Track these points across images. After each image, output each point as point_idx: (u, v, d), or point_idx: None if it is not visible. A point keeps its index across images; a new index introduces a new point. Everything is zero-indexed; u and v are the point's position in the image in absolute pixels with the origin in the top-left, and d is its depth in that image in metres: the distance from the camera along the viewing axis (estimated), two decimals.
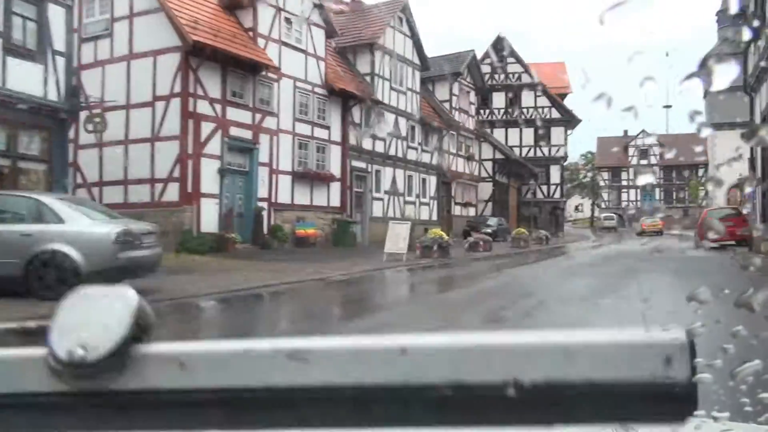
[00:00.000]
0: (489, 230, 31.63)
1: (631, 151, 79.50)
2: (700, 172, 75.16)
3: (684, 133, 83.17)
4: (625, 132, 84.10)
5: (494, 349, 0.46)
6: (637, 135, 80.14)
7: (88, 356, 0.47)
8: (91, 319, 0.49)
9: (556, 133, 45.27)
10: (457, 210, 33.80)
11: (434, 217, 30.93)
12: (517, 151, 45.30)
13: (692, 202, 76.02)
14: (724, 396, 0.80)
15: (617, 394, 0.46)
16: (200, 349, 0.50)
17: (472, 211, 35.76)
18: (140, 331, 0.50)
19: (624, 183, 79.70)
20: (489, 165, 38.65)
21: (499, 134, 45.20)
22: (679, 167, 77.18)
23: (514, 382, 0.45)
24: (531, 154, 45.53)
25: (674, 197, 77.56)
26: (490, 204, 38.50)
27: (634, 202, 78.90)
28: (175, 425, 0.50)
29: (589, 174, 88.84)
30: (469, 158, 34.78)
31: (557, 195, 45.82)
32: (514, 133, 45.57)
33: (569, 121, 45.38)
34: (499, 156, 38.83)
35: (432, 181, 30.84)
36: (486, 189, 38.31)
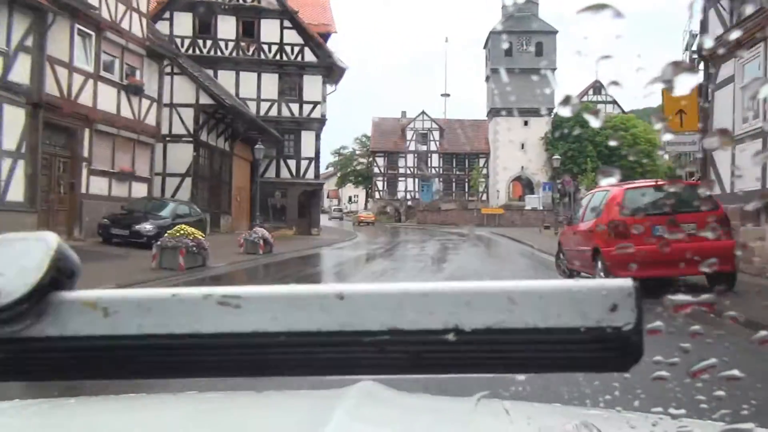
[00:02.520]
0: (149, 228, 15.96)
1: (409, 134, 69.19)
2: (482, 161, 67.22)
3: (466, 119, 75.52)
4: (403, 113, 73.97)
5: (434, 297, 0.45)
6: (416, 117, 70.24)
7: (0, 300, 0.43)
8: (5, 264, 0.45)
9: (312, 85, 30.97)
10: (96, 186, 17.39)
11: (19, 198, 14.33)
12: (253, 106, 30.13)
13: (473, 195, 67.96)
14: (680, 393, 0.84)
15: (561, 341, 0.45)
16: (125, 295, 0.47)
17: (140, 190, 19.58)
18: (61, 276, 0.46)
19: (401, 171, 69.12)
20: (188, 114, 22.87)
21: (226, 78, 29.67)
22: (460, 155, 68.61)
23: (454, 329, 0.44)
24: (273, 112, 30.66)
25: (453, 188, 68.79)
26: (188, 180, 22.74)
27: (412, 193, 68.70)
28: (98, 374, 0.48)
29: (363, 160, 77.76)
30: (133, 90, 18.54)
31: (311, 175, 31.52)
32: (248, 78, 30.32)
33: (330, 69, 31.30)
34: (207, 101, 23.13)
35: (15, 117, 14.15)
36: (181, 154, 22.50)
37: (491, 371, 0.47)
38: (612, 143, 61.88)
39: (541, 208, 57.17)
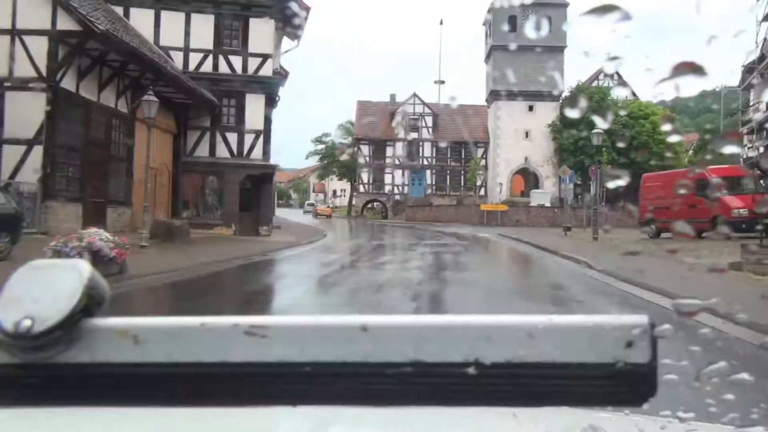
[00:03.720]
0: None
1: (398, 119, 61.00)
2: (480, 151, 59.09)
3: (464, 104, 67.40)
4: (392, 96, 65.71)
5: (456, 330, 0.47)
6: (407, 100, 62.12)
7: (35, 327, 0.45)
8: (40, 291, 0.46)
9: (261, 32, 22.73)
10: None
11: None
12: (179, 59, 22.00)
13: (469, 189, 59.94)
14: (689, 397, 0.82)
15: (578, 376, 0.46)
16: (155, 323, 0.49)
17: None
18: (93, 304, 0.47)
19: (389, 161, 60.93)
20: (39, 46, 14.56)
21: (141, 20, 21.49)
22: (456, 145, 60.60)
23: (475, 362, 0.45)
24: (207, 66, 22.45)
25: (448, 182, 60.71)
26: (39, 150, 14.46)
27: (401, 187, 60.55)
28: (127, 401, 0.49)
29: (348, 150, 69.75)
30: None
31: (258, 153, 23.26)
32: (173, 20, 22.09)
33: (286, 12, 23.00)
34: (72, 26, 14.74)
35: None
36: (28, 109, 14.24)
37: (510, 404, 0.50)
38: (634, 129, 53.87)
39: (549, 204, 49.42)
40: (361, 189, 61.68)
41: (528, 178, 57.59)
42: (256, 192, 23.54)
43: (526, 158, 55.82)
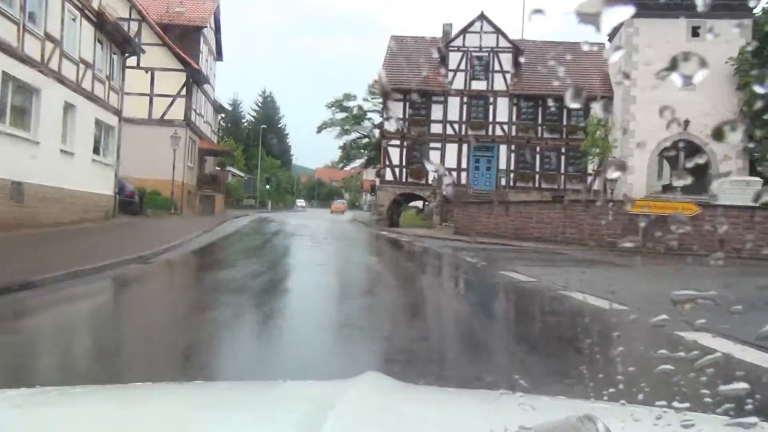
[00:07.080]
0: None
1: (454, 61, 35.57)
2: (597, 109, 32.90)
3: (566, 40, 41.22)
4: (447, 29, 40.32)
5: None
6: (469, 26, 36.60)
7: None
8: None
9: None
10: None
11: None
12: None
13: (574, 178, 34.16)
14: (685, 387, 0.83)
15: None
16: None
17: None
18: None
19: (437, 131, 35.50)
20: None
21: None
22: (553, 104, 34.61)
23: None
24: None
25: (537, 166, 34.82)
26: None
27: (456, 172, 35.15)
28: None
29: (378, 119, 45.85)
30: None
31: None
32: None
33: None
34: None
35: None
36: None
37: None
38: None
39: (757, 204, 22.50)
40: (389, 176, 36.63)
41: (682, 158, 30.69)
42: None
43: (686, 122, 29.17)
